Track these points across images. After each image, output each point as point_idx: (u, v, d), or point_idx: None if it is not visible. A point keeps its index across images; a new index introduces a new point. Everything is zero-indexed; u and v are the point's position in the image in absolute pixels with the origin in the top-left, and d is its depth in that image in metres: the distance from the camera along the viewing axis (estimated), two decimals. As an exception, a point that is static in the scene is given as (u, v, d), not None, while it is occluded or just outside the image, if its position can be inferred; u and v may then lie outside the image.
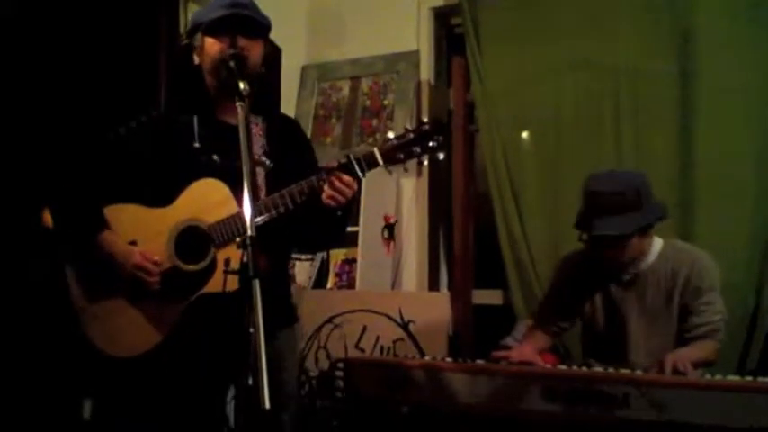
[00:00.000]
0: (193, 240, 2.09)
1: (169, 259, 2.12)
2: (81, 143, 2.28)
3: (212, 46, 2.15)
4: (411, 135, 2.03)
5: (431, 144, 2.03)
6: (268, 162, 2.17)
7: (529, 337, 2.94)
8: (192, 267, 2.10)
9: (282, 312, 2.30)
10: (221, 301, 1.96)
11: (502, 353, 2.76)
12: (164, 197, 2.15)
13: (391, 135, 2.06)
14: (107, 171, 2.19)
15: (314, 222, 2.15)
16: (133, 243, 2.14)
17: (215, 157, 2.16)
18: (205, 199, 2.10)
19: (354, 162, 2.03)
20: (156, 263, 2.10)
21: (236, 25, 2.13)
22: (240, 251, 1.69)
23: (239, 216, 2.02)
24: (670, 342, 2.66)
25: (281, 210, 2.06)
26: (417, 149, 2.03)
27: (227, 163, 2.08)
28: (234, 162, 1.83)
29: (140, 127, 2.23)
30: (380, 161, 2.03)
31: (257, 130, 2.22)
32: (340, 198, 2.04)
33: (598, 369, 2.52)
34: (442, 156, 2.06)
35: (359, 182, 2.05)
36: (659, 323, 2.69)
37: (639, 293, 2.72)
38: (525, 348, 2.77)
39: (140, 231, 2.15)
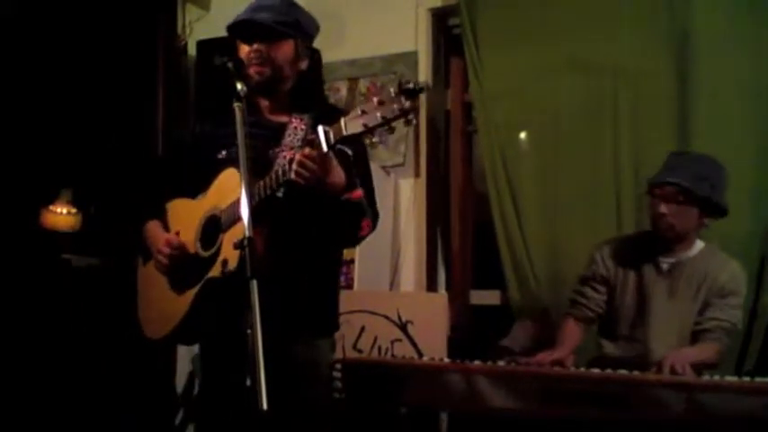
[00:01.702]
0: (213, 227, 2.16)
1: (195, 246, 2.19)
2: (116, 144, 2.39)
3: (242, 49, 2.22)
4: (376, 102, 1.90)
5: (396, 109, 1.86)
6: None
7: (564, 334, 2.89)
8: (205, 253, 2.16)
9: (301, 318, 2.18)
10: (225, 285, 2.01)
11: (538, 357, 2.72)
12: (204, 189, 2.27)
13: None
14: (165, 172, 2.40)
15: (318, 212, 2.13)
16: (177, 233, 2.25)
17: (233, 148, 2.16)
18: (225, 187, 2.15)
19: (322, 133, 1.96)
20: (177, 247, 2.18)
21: (253, 29, 2.18)
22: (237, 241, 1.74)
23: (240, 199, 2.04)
24: (689, 335, 2.73)
25: (268, 191, 2.04)
26: (381, 115, 1.86)
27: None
28: (257, 152, 1.91)
29: (192, 134, 2.39)
30: (345, 130, 1.92)
31: (299, 124, 2.25)
32: (303, 172, 1.97)
33: (595, 370, 2.53)
34: (414, 121, 1.91)
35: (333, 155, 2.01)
36: (682, 315, 2.75)
37: (673, 284, 2.79)
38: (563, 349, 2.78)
39: (183, 222, 2.26)
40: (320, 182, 2.01)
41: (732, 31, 3.37)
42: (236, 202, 2.03)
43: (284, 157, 2.13)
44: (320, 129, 1.96)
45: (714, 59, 3.36)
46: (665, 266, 2.81)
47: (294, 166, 1.97)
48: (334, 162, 2.04)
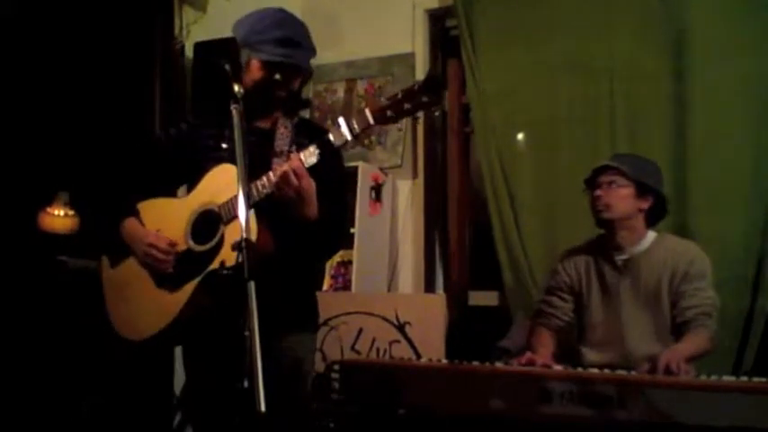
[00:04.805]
0: (208, 223, 2.16)
1: (185, 242, 2.19)
2: (113, 145, 2.38)
3: (257, 71, 2.25)
4: (401, 94, 2.04)
5: (424, 99, 2.02)
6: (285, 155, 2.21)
7: (538, 342, 2.92)
8: (201, 247, 2.16)
9: (287, 313, 2.23)
10: (229, 279, 1.99)
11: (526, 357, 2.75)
12: (189, 189, 2.30)
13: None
14: (143, 171, 2.35)
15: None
16: (158, 231, 2.24)
17: (224, 145, 2.25)
18: (218, 182, 2.17)
19: (345, 123, 2.06)
20: (169, 243, 2.18)
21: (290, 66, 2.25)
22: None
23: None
24: (666, 327, 2.73)
25: (266, 190, 2.10)
26: (408, 106, 2.03)
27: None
28: (245, 150, 1.93)
29: (177, 132, 2.39)
30: (371, 120, 2.04)
31: (286, 132, 2.31)
32: (291, 179, 2.04)
33: (594, 370, 2.53)
34: (438, 112, 2.08)
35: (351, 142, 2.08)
36: (652, 309, 2.76)
37: (633, 279, 2.79)
38: (541, 355, 2.80)
39: (164, 220, 2.25)
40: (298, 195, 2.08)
41: (728, 32, 3.38)
42: (236, 196, 2.06)
43: (282, 162, 2.17)
44: (341, 120, 2.05)
45: (711, 60, 3.37)
46: (620, 264, 2.82)
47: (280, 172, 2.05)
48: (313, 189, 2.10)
